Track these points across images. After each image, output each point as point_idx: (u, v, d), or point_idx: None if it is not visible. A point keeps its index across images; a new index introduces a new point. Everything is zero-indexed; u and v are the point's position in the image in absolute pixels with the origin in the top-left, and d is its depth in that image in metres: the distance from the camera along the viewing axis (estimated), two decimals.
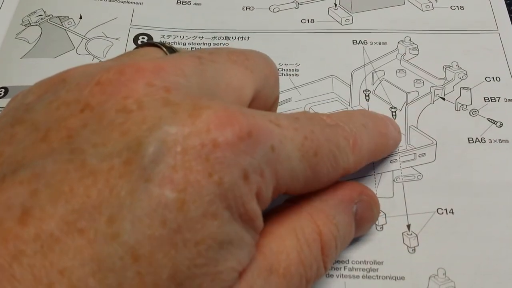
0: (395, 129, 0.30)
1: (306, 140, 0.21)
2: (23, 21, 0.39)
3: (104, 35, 0.38)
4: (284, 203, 0.24)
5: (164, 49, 0.24)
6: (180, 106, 0.18)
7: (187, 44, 0.38)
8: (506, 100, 0.34)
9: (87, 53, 0.37)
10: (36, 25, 0.38)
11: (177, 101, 0.18)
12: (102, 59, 0.37)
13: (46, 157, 0.17)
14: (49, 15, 0.39)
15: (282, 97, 0.35)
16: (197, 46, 0.37)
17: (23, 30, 0.38)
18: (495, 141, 0.32)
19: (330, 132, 0.23)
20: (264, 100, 0.24)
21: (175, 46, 0.24)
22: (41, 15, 0.39)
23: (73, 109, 0.18)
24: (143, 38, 0.38)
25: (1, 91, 0.35)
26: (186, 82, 0.19)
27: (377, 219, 0.28)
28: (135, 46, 0.26)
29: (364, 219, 0.26)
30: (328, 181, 0.23)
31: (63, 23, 0.39)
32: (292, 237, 0.22)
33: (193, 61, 0.20)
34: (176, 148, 0.17)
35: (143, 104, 0.18)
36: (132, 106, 0.18)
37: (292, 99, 0.35)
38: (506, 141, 0.32)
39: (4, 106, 0.34)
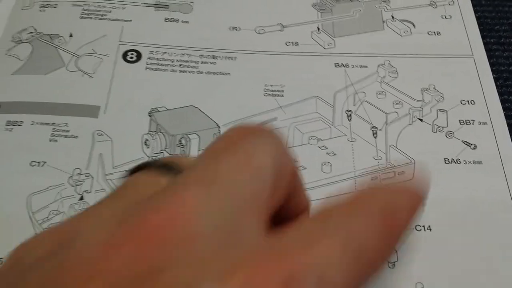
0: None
1: (347, 246, 0.18)
2: (13, 38, 0.39)
3: (93, 52, 0.39)
4: None
5: (162, 171, 0.21)
6: (210, 264, 0.17)
7: (175, 60, 0.39)
8: (480, 123, 0.36)
9: (77, 70, 0.38)
10: (27, 42, 0.39)
11: (205, 257, 0.17)
12: (92, 76, 0.38)
13: None
14: (40, 33, 0.40)
15: (267, 116, 0.36)
16: (185, 63, 0.39)
17: (13, 46, 0.39)
18: (470, 162, 0.34)
19: (367, 220, 0.19)
20: (283, 184, 0.22)
21: (169, 160, 0.22)
22: (31, 32, 0.40)
23: (85, 274, 0.16)
24: (132, 54, 0.39)
25: None
26: (205, 223, 0.18)
27: None
28: (130, 170, 0.23)
29: None
30: (378, 271, 0.20)
31: (53, 40, 0.39)
32: None
33: (200, 190, 0.18)
34: None
35: (167, 263, 0.17)
36: (158, 265, 0.16)
37: (278, 118, 0.36)
38: (480, 162, 0.34)
39: None
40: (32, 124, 0.35)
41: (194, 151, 0.34)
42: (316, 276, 0.17)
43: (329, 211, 0.19)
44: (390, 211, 0.20)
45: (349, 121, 0.36)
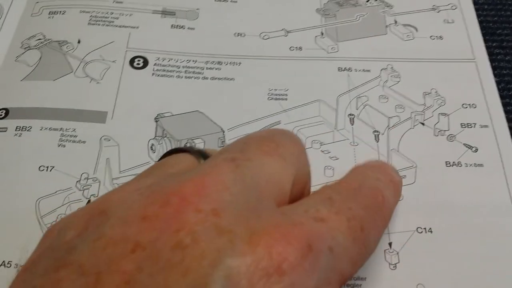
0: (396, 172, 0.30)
1: (350, 221, 0.21)
2: (22, 44, 0.40)
3: (101, 58, 0.40)
4: None
5: (194, 154, 0.23)
6: (235, 234, 0.17)
7: (181, 67, 0.39)
8: (481, 126, 0.36)
9: (85, 76, 0.39)
10: (36, 48, 0.40)
11: (230, 227, 0.17)
12: (100, 82, 0.38)
13: None
14: (49, 39, 0.41)
15: (271, 120, 0.37)
16: (190, 69, 0.39)
17: (22, 53, 0.40)
18: (471, 165, 0.34)
19: (362, 198, 0.23)
20: (300, 180, 0.23)
21: (202, 148, 0.23)
22: (40, 39, 0.41)
23: (123, 249, 0.17)
24: (138, 60, 0.40)
25: (2, 112, 0.36)
26: (230, 197, 0.19)
27: None
28: (163, 154, 0.25)
29: None
30: (376, 243, 0.23)
31: (62, 47, 0.40)
32: None
33: (229, 167, 0.20)
34: (242, 282, 0.16)
35: (196, 235, 0.17)
36: (186, 239, 0.17)
37: (281, 122, 0.37)
38: (481, 165, 0.34)
39: (5, 127, 0.35)
40: (40, 130, 0.36)
41: None
42: (328, 242, 0.19)
43: (331, 192, 0.22)
44: (380, 192, 0.24)
45: (352, 125, 0.37)
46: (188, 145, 0.35)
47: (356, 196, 0.22)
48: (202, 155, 0.23)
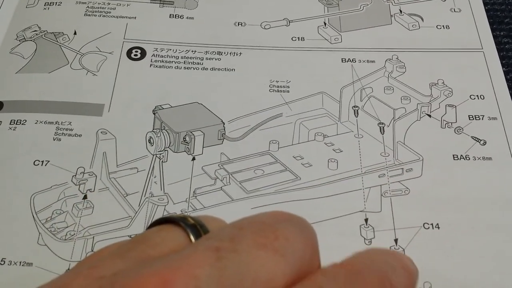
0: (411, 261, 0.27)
1: None
2: (17, 36, 0.39)
3: (98, 50, 0.39)
4: None
5: (187, 229, 0.19)
6: None
7: (180, 57, 0.38)
8: (489, 118, 0.35)
9: (81, 68, 0.38)
10: (31, 40, 0.39)
11: None
12: (96, 74, 0.37)
13: None
14: (44, 31, 0.40)
15: (273, 112, 0.36)
16: (190, 60, 0.38)
17: (17, 45, 0.39)
18: (479, 158, 0.33)
19: (364, 285, 0.18)
20: (302, 277, 0.19)
21: (201, 220, 0.20)
22: (35, 30, 0.40)
23: None
24: (136, 51, 0.39)
25: None
26: None
27: None
28: (148, 225, 0.21)
29: None
30: None
31: (57, 38, 0.39)
32: None
33: (209, 258, 0.17)
34: None
35: None
36: None
37: (283, 114, 0.36)
38: (490, 158, 0.33)
39: (0, 120, 0.34)
40: (35, 123, 0.35)
41: (198, 148, 0.34)
42: None
43: (324, 280, 0.18)
44: (387, 279, 0.19)
45: (356, 117, 0.35)
46: (187, 137, 0.34)
47: (356, 283, 0.18)
48: (195, 232, 0.19)
